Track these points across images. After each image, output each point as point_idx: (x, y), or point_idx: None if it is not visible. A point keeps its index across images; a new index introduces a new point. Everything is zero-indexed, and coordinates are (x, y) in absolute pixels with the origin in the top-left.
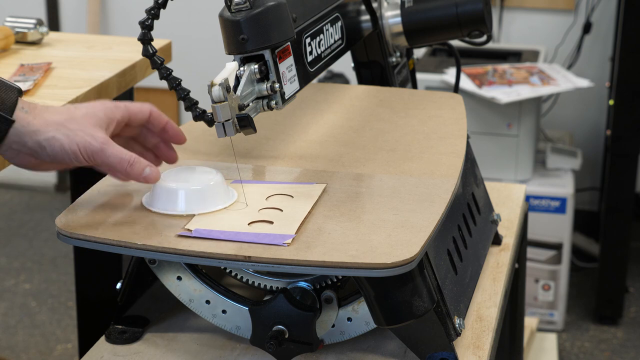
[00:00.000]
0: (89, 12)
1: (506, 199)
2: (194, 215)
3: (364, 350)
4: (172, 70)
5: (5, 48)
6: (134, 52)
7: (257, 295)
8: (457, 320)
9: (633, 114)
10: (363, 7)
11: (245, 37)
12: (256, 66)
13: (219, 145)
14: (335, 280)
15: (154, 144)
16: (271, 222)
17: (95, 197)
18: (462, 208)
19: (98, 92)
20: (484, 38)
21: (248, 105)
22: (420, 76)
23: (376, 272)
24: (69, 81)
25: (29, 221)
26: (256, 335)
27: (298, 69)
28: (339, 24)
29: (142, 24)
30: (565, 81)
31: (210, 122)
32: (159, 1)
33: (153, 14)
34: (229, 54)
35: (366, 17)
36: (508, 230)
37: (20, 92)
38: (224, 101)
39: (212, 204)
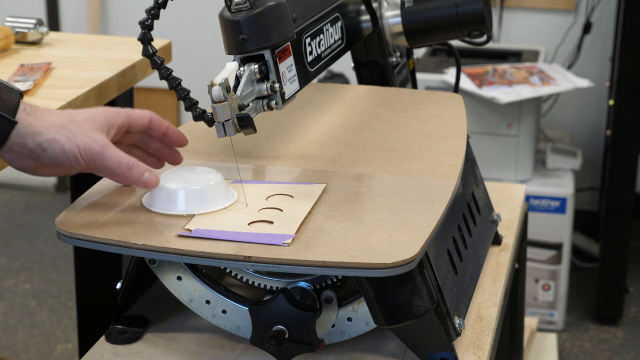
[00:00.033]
0: (89, 12)
1: (506, 199)
2: (194, 215)
3: (364, 350)
4: (172, 70)
5: (5, 48)
6: (134, 52)
7: (257, 295)
8: (457, 320)
9: (633, 114)
10: (363, 7)
11: (245, 37)
12: (256, 66)
13: (219, 145)
14: (335, 280)
15: (156, 149)
16: (271, 222)
17: (95, 197)
18: (462, 208)
19: (98, 92)
20: (484, 38)
21: (248, 105)
22: (420, 76)
23: (376, 272)
24: (69, 81)
25: (29, 221)
26: (256, 335)
27: (298, 69)
28: (339, 24)
29: (142, 24)
30: (565, 81)
31: (210, 122)
32: (159, 1)
33: (153, 14)
34: (229, 54)
35: (366, 17)
36: (508, 230)
37: (21, 94)
38: (224, 101)
39: (212, 204)
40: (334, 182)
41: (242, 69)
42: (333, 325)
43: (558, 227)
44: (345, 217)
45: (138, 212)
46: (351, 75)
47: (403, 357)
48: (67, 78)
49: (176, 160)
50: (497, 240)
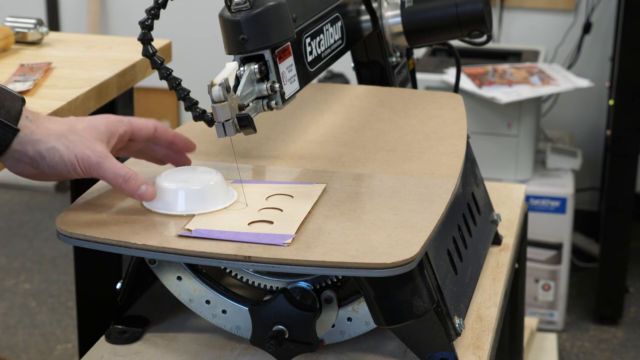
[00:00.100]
0: (89, 12)
1: (506, 199)
2: (194, 215)
3: (364, 350)
4: (172, 70)
5: (5, 48)
6: (134, 52)
7: (257, 295)
8: (457, 320)
9: (633, 114)
10: (363, 7)
11: (245, 37)
12: (256, 66)
13: (219, 145)
14: (335, 280)
15: (163, 154)
16: (271, 222)
17: (95, 197)
18: (462, 208)
19: (98, 92)
20: (484, 38)
21: (248, 105)
22: (420, 76)
23: (376, 272)
24: (69, 81)
25: (29, 221)
26: (256, 335)
27: (298, 69)
28: (339, 24)
29: (142, 24)
30: (565, 81)
31: (210, 122)
32: (159, 1)
33: (153, 14)
34: (229, 54)
35: (366, 17)
36: (508, 230)
37: (24, 101)
38: (224, 101)
39: (212, 204)
40: (334, 182)
41: (242, 69)
42: (333, 325)
43: (558, 227)
44: (345, 217)
45: (138, 212)
46: (351, 75)
47: (403, 357)
48: (67, 78)
49: (185, 164)
50: (497, 240)
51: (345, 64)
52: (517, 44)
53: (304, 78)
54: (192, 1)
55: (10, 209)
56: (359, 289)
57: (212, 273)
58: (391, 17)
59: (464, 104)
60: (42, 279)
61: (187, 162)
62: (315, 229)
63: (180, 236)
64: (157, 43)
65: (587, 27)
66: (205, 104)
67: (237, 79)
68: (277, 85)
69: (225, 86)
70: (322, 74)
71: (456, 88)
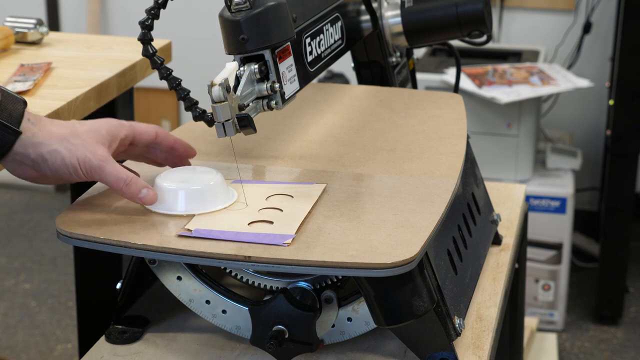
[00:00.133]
0: (89, 12)
1: (506, 199)
2: (194, 215)
3: (364, 350)
4: (172, 70)
5: (5, 48)
6: (134, 52)
7: (257, 295)
8: (457, 320)
9: (633, 114)
10: (363, 7)
11: (245, 37)
12: (256, 66)
13: (219, 145)
14: (335, 280)
15: (164, 158)
16: (271, 222)
17: (95, 197)
18: (462, 208)
19: (98, 92)
20: (484, 38)
21: (248, 105)
22: (420, 76)
23: (376, 272)
24: (69, 81)
25: (29, 221)
26: (256, 335)
27: (298, 69)
28: (339, 24)
29: (142, 24)
30: (565, 81)
31: (210, 122)
32: (159, 1)
33: (153, 14)
34: (229, 54)
35: (366, 17)
36: (508, 230)
37: (25, 103)
38: (224, 101)
39: (212, 204)
40: (334, 182)
41: (242, 69)
42: (333, 325)
43: (558, 227)
44: (345, 217)
45: (138, 212)
46: (351, 75)
47: (403, 357)
48: (67, 78)
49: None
50: (497, 240)
51: (345, 64)
52: (517, 44)
53: (304, 78)
54: (192, 1)
55: (10, 209)
56: (359, 289)
57: (212, 273)
58: (391, 17)
59: (464, 104)
60: (42, 279)
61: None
62: (315, 229)
63: (180, 236)
64: (157, 43)
65: (587, 27)
66: (205, 104)
67: (237, 79)
68: (277, 85)
69: (225, 86)
70: (322, 74)
71: (456, 88)
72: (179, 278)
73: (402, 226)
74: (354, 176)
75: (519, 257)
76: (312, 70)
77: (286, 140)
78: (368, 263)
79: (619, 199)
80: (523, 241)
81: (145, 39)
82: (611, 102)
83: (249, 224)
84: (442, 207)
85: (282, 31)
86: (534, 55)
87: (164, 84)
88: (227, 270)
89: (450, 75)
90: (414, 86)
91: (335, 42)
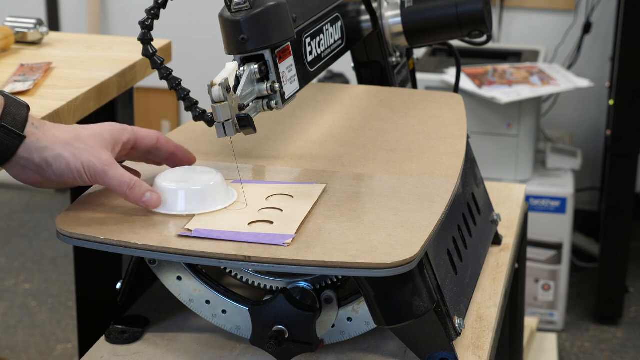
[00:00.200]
0: (89, 12)
1: (506, 199)
2: (194, 215)
3: (364, 350)
4: (172, 70)
5: (5, 48)
6: (134, 52)
7: (257, 295)
8: (457, 320)
9: (633, 114)
10: (363, 7)
11: (245, 37)
12: (256, 66)
13: (219, 145)
14: (335, 280)
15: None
16: (271, 222)
17: (95, 197)
18: (462, 208)
19: (98, 92)
20: (484, 38)
21: (248, 105)
22: (420, 76)
23: (376, 272)
24: (69, 81)
25: (29, 221)
26: (256, 335)
27: (298, 69)
28: (339, 24)
29: (142, 24)
30: (565, 81)
31: (210, 122)
32: (159, 1)
33: (153, 14)
34: (229, 54)
35: (366, 17)
36: (508, 230)
37: (28, 108)
38: (224, 101)
39: (212, 204)
40: (334, 182)
41: (242, 69)
42: (333, 325)
43: (558, 227)
44: (345, 217)
45: (138, 212)
46: (351, 75)
47: (403, 357)
48: (67, 78)
49: None
50: (497, 240)
51: (345, 64)
52: (517, 44)
53: (304, 78)
54: (192, 1)
55: (10, 209)
56: (359, 289)
57: (212, 273)
58: (391, 17)
59: (464, 104)
60: (42, 279)
61: None
62: (315, 229)
63: (180, 236)
64: (157, 43)
65: (587, 27)
66: (205, 104)
67: (237, 79)
68: (277, 85)
69: (225, 86)
70: (322, 74)
71: (456, 88)
72: (179, 278)
73: (402, 226)
74: (354, 176)
75: (519, 257)
76: (312, 70)
77: (286, 140)
78: (368, 263)
79: (619, 199)
80: (523, 241)
81: (145, 39)
82: (611, 102)
83: (249, 224)
84: (442, 207)
85: (282, 31)
86: (534, 55)
87: (164, 84)
88: (227, 270)
89: (450, 75)
90: (414, 86)
91: (335, 42)
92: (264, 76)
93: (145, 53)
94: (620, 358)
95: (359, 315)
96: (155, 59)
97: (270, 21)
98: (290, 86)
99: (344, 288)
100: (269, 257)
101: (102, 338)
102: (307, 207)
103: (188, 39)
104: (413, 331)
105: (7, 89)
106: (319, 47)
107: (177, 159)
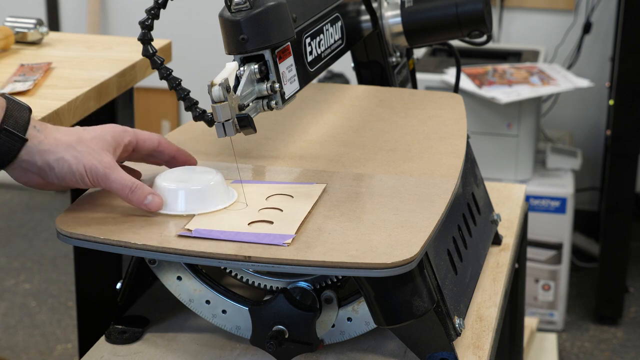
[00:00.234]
0: (89, 12)
1: (506, 199)
2: (194, 215)
3: (364, 350)
4: (172, 70)
5: (5, 48)
6: (134, 52)
7: (257, 295)
8: (457, 320)
9: (633, 114)
10: (363, 7)
11: (245, 37)
12: (256, 66)
13: (219, 145)
14: (335, 280)
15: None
16: (271, 222)
17: (95, 197)
18: (462, 208)
19: (98, 92)
20: (484, 38)
21: (248, 105)
22: (420, 76)
23: (376, 272)
24: (69, 81)
25: (29, 221)
26: (256, 335)
27: (298, 69)
28: (339, 24)
29: (142, 24)
30: (565, 81)
31: (210, 122)
32: (159, 1)
33: (153, 14)
34: (229, 54)
35: (366, 17)
36: (508, 230)
37: (30, 110)
38: (224, 101)
39: (212, 204)
40: (334, 182)
41: (242, 69)
42: (333, 325)
43: (558, 227)
44: (345, 217)
45: (138, 212)
46: (351, 75)
47: (403, 357)
48: (67, 78)
49: None
50: (497, 240)
51: (345, 64)
52: (517, 44)
53: (304, 78)
54: (192, 1)
55: (10, 209)
56: (359, 289)
57: (212, 273)
58: (391, 17)
59: (464, 104)
60: (42, 279)
61: None
62: (315, 229)
63: (180, 236)
64: (157, 43)
65: (587, 27)
66: (205, 104)
67: (237, 79)
68: (277, 85)
69: (225, 86)
70: (322, 74)
71: (456, 88)
72: (179, 278)
73: (402, 226)
74: (354, 176)
75: (519, 257)
76: (312, 70)
77: (286, 140)
78: (368, 263)
79: (619, 199)
80: (523, 241)
81: (145, 39)
82: (611, 102)
83: (249, 224)
84: (442, 207)
85: (282, 31)
86: (534, 55)
87: (164, 84)
88: (227, 270)
89: (450, 75)
90: (414, 86)
91: (335, 42)
92: (264, 76)
93: (145, 53)
94: (620, 358)
95: (359, 315)
96: (155, 59)
97: (270, 21)
98: (290, 86)
99: (344, 288)
100: (269, 257)
101: (102, 338)
102: (307, 207)
103: (188, 39)
104: (413, 331)
105: (7, 89)
106: (319, 47)
107: (179, 162)
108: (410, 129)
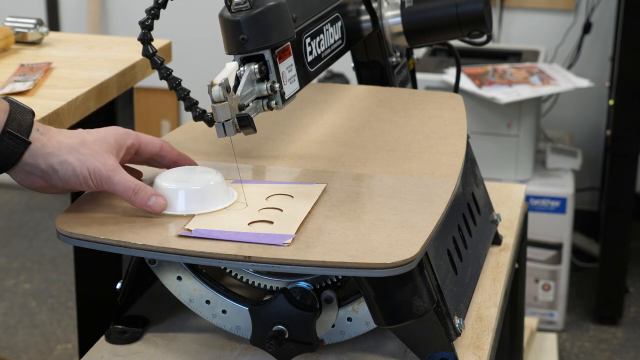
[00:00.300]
0: (89, 12)
1: (506, 199)
2: (194, 215)
3: (364, 350)
4: (172, 70)
5: (5, 48)
6: (134, 52)
7: (257, 295)
8: (457, 320)
9: (633, 114)
10: (363, 7)
11: (245, 37)
12: (256, 66)
13: (219, 145)
14: (335, 280)
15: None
16: (271, 222)
17: (95, 197)
18: (462, 208)
19: (98, 92)
20: (484, 38)
21: (248, 105)
22: (420, 76)
23: (376, 272)
24: (69, 81)
25: (29, 221)
26: (256, 335)
27: (298, 69)
28: (339, 24)
29: (142, 24)
30: (565, 81)
31: (210, 122)
32: (159, 1)
33: (153, 14)
34: (229, 54)
35: (366, 17)
36: (508, 230)
37: (33, 113)
38: (224, 101)
39: (212, 204)
40: (334, 182)
41: (242, 69)
42: (333, 325)
43: (558, 227)
44: (345, 217)
45: (138, 212)
46: (351, 75)
47: (403, 357)
48: (67, 78)
49: None
50: (497, 240)
51: (345, 64)
52: (517, 44)
53: (304, 78)
54: (192, 1)
55: (10, 209)
56: (359, 289)
57: (212, 273)
58: (391, 17)
59: (464, 104)
60: (42, 279)
61: None
62: (315, 229)
63: (180, 236)
64: (157, 43)
65: (587, 27)
66: (205, 104)
67: (237, 79)
68: (277, 85)
69: (225, 86)
70: (322, 74)
71: (456, 88)
72: (179, 278)
73: (402, 226)
74: (354, 176)
75: (519, 257)
76: (312, 70)
77: (286, 140)
78: (368, 263)
79: (619, 199)
80: (523, 241)
81: (145, 39)
82: (611, 102)
83: (249, 224)
84: (442, 207)
85: (282, 31)
86: (534, 55)
87: (164, 84)
88: (227, 270)
89: (450, 75)
90: (414, 86)
91: (335, 42)
92: (264, 76)
93: (145, 53)
94: (620, 358)
95: (359, 315)
96: (155, 59)
97: (270, 21)
98: (290, 86)
99: (344, 288)
100: (269, 257)
101: (102, 338)
102: (307, 207)
103: (188, 39)
104: (413, 331)
105: (7, 89)
106: (319, 47)
107: (180, 166)
108: (410, 129)
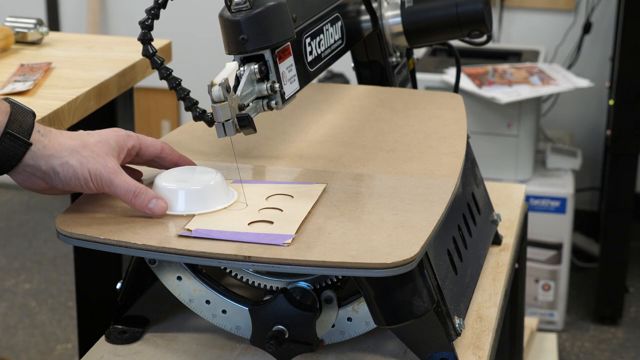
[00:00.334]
0: (89, 12)
1: (506, 199)
2: (194, 215)
3: (364, 350)
4: (172, 70)
5: (5, 48)
6: (134, 52)
7: (257, 295)
8: (457, 320)
9: (633, 114)
10: (363, 7)
11: (245, 37)
12: (256, 66)
13: (219, 145)
14: (335, 280)
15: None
16: (271, 222)
17: (95, 197)
18: (462, 208)
19: (98, 92)
20: (484, 38)
21: (248, 105)
22: (420, 76)
23: (376, 272)
24: (69, 81)
25: (28, 221)
26: (256, 335)
27: (298, 69)
28: (339, 24)
29: (142, 24)
30: (565, 81)
31: (210, 122)
32: (159, 1)
33: (153, 14)
34: (229, 54)
35: (366, 17)
36: (508, 230)
37: (34, 115)
38: (224, 101)
39: (212, 204)
40: (334, 182)
41: (242, 69)
42: (333, 325)
43: (558, 227)
44: (345, 217)
45: (138, 212)
46: (351, 75)
47: (403, 357)
48: (67, 78)
49: None
50: (497, 240)
51: (345, 64)
52: (517, 44)
53: (304, 78)
54: (193, 1)
55: (10, 209)
56: (359, 289)
57: (212, 273)
58: (391, 17)
59: (464, 104)
60: (42, 279)
61: None
62: (315, 229)
63: (180, 236)
64: (157, 43)
65: (587, 27)
66: (205, 104)
67: (237, 79)
68: (277, 85)
69: (225, 86)
70: (322, 74)
71: (456, 88)
72: (179, 278)
73: (402, 226)
74: (354, 176)
75: (519, 257)
76: (312, 70)
77: (286, 140)
78: (368, 263)
79: (619, 199)
80: (523, 241)
81: (145, 39)
82: (611, 102)
83: (249, 224)
84: (442, 207)
85: (282, 31)
86: (534, 55)
87: (164, 84)
88: (227, 270)
89: (450, 75)
90: (414, 86)
91: (335, 42)
92: (264, 76)
93: (145, 53)
94: (620, 358)
95: (359, 315)
96: (155, 59)
97: (270, 21)
98: (290, 86)
99: (344, 288)
100: (269, 257)
101: (102, 338)
102: (307, 207)
103: (188, 39)
104: (413, 331)
105: (7, 89)
106: (319, 47)
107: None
108: (410, 129)
